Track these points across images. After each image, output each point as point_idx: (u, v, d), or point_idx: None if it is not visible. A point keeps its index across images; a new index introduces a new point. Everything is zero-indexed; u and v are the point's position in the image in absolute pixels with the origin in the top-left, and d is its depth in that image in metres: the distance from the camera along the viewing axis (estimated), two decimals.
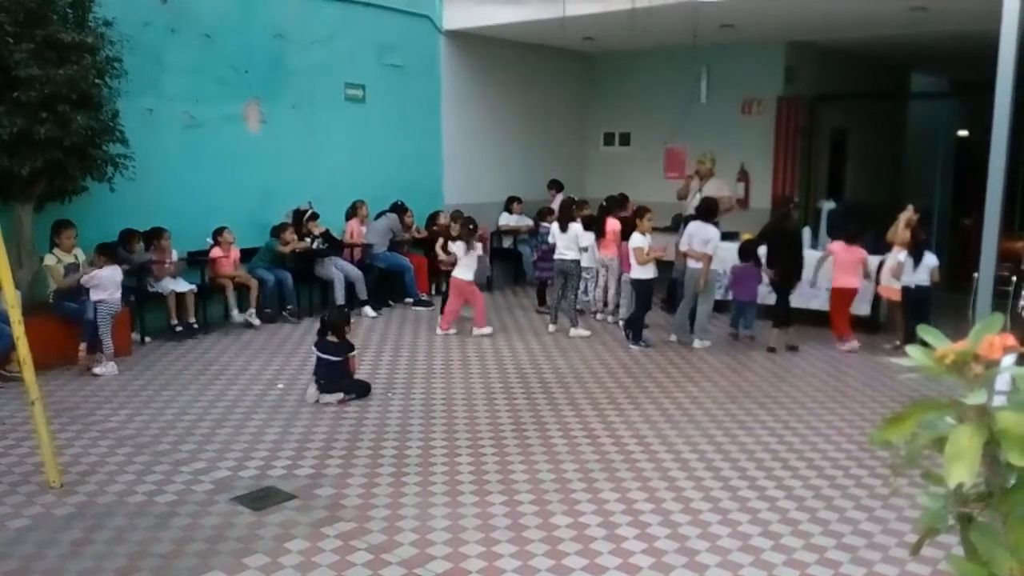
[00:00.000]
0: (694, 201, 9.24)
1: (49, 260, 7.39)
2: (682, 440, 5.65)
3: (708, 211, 8.48)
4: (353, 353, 6.64)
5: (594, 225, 9.24)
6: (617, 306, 9.39)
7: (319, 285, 9.81)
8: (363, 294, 9.73)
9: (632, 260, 8.30)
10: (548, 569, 3.86)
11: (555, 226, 9.07)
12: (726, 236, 8.97)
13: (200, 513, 4.44)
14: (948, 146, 15.06)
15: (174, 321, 8.32)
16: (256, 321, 8.92)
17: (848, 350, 8.19)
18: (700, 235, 8.26)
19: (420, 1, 10.98)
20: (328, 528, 4.26)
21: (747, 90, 11.95)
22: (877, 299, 8.84)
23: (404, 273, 10.30)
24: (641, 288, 8.32)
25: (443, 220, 11.06)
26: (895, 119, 14.43)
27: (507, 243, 12.07)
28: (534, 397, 6.62)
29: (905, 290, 8.05)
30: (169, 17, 8.55)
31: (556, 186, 12.20)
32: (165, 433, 5.70)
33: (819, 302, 8.70)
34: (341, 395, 6.37)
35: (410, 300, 10.27)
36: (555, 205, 10.85)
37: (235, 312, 8.91)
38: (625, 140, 13.49)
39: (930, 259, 7.95)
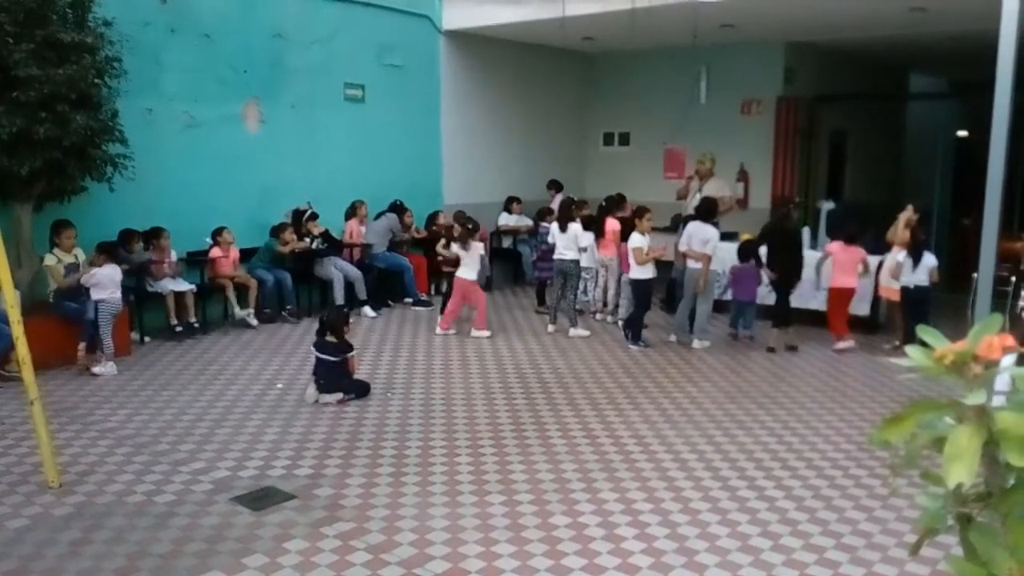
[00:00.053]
0: (694, 201, 9.24)
1: (49, 260, 7.39)
2: (681, 440, 5.65)
3: (708, 211, 8.48)
4: (352, 353, 6.64)
5: (593, 225, 9.25)
6: (616, 306, 9.40)
7: (318, 285, 9.81)
8: (362, 294, 9.73)
9: (631, 260, 8.30)
10: (547, 569, 3.86)
11: (554, 226, 9.07)
12: (725, 236, 8.98)
13: (199, 513, 4.44)
14: (947, 146, 15.07)
15: (174, 321, 8.32)
16: (254, 321, 8.92)
17: (842, 349, 8.20)
18: (699, 235, 8.27)
19: (420, 1, 10.98)
20: (327, 528, 4.26)
21: (747, 90, 11.96)
22: (876, 299, 8.85)
23: (403, 273, 10.30)
24: (640, 288, 8.32)
25: (443, 220, 11.06)
26: (894, 119, 14.44)
27: (506, 243, 12.07)
28: (533, 397, 6.62)
29: (904, 290, 8.05)
30: (169, 17, 8.55)
31: (555, 186, 12.20)
32: (164, 433, 5.70)
33: (818, 302, 8.70)
34: (340, 395, 6.37)
35: (409, 300, 10.27)
36: (554, 205, 10.86)
37: (237, 309, 8.91)
38: (625, 140, 13.50)
39: (929, 259, 7.95)
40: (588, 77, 13.57)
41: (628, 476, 5.00)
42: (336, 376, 6.44)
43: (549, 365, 7.62)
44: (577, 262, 8.82)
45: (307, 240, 9.44)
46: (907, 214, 8.28)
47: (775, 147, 11.89)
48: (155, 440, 5.56)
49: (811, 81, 12.05)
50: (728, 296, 9.06)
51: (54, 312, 7.33)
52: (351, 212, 10.20)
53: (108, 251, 7.45)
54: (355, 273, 9.74)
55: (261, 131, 9.52)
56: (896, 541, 4.19)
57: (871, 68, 12.99)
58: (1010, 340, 1.32)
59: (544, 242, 9.63)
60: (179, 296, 8.39)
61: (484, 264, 8.95)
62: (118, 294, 7.28)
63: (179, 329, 8.33)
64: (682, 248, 8.53)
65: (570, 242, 8.77)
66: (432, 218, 11.10)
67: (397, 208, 10.47)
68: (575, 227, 8.80)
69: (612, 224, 9.32)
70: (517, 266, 12.05)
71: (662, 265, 8.68)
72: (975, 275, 5.67)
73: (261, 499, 4.62)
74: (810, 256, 8.66)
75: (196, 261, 8.84)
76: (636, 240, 8.24)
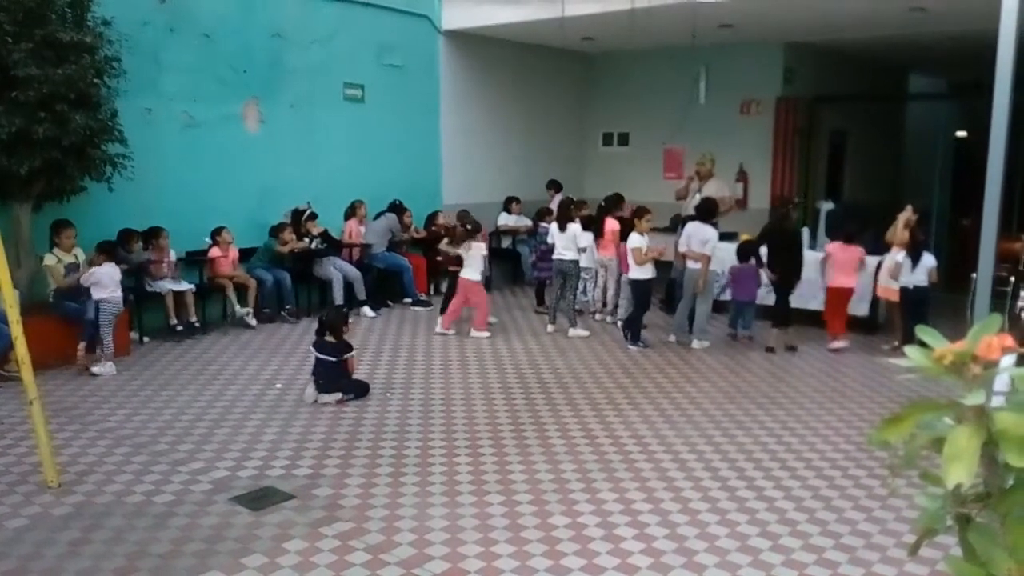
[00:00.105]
0: (694, 201, 9.24)
1: (49, 260, 7.39)
2: (680, 440, 5.65)
3: (707, 211, 8.48)
4: (351, 354, 6.64)
5: (593, 225, 9.25)
6: (616, 306, 9.40)
7: (318, 285, 9.81)
8: (362, 294, 9.72)
9: (630, 260, 8.30)
10: (546, 569, 3.86)
11: (554, 226, 9.07)
12: (724, 236, 8.98)
13: (198, 513, 4.43)
14: (946, 147, 15.08)
15: (173, 320, 8.30)
16: (253, 321, 8.91)
17: (837, 348, 8.21)
18: (698, 235, 8.27)
19: (419, 1, 10.98)
20: (326, 528, 4.26)
21: (746, 91, 11.96)
22: (876, 300, 8.85)
23: (403, 273, 10.30)
24: (639, 288, 8.32)
25: (442, 220, 11.06)
26: (894, 120, 14.45)
27: (506, 243, 12.07)
28: (532, 397, 6.62)
29: (903, 291, 8.05)
30: (168, 17, 8.54)
31: (555, 186, 12.20)
32: (163, 433, 5.70)
33: (818, 303, 8.69)
34: (339, 395, 6.37)
35: (409, 300, 10.27)
36: (554, 205, 10.85)
37: (237, 307, 8.90)
38: (624, 140, 13.50)
39: (928, 260, 7.96)
40: (587, 77, 13.58)
41: (627, 476, 5.00)
42: (335, 376, 6.44)
43: (548, 365, 7.62)
44: (576, 262, 8.82)
45: (306, 240, 9.44)
46: (906, 214, 8.28)
47: (774, 147, 11.89)
48: (154, 440, 5.56)
49: (810, 81, 12.05)
50: (727, 296, 9.06)
51: (54, 312, 7.33)
52: (350, 212, 10.20)
53: (107, 251, 7.44)
54: (354, 273, 9.74)
55: (260, 131, 9.52)
56: (895, 541, 4.19)
57: (870, 68, 12.99)
58: (1009, 340, 1.32)
59: (543, 242, 9.63)
60: (178, 296, 8.38)
61: (484, 264, 8.95)
62: (119, 293, 7.28)
63: (179, 328, 8.32)
64: (681, 249, 8.53)
65: (569, 242, 8.77)
66: (431, 218, 11.10)
67: (396, 208, 10.47)
68: (574, 227, 8.80)
69: (611, 224, 9.32)
70: (516, 266, 12.04)
71: (661, 265, 8.68)
72: (974, 275, 5.67)
73: (260, 499, 4.62)
74: (810, 256, 8.66)
75: (195, 261, 8.84)
76: (635, 240, 8.24)
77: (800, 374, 7.47)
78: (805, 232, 9.49)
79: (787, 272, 8.25)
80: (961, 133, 15.07)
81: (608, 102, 13.45)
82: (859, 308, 8.76)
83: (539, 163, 12.71)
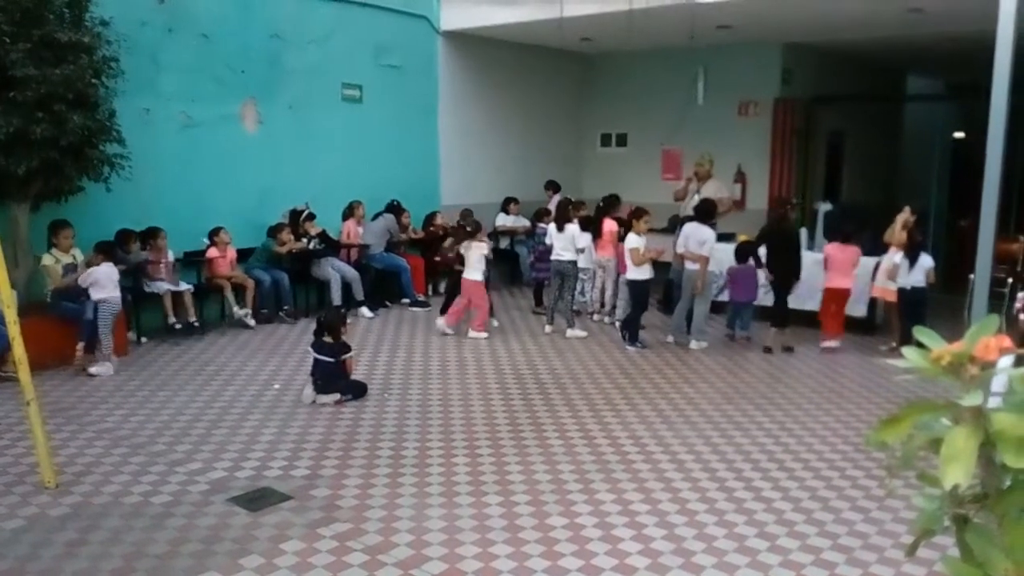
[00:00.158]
0: (692, 202, 9.25)
1: (47, 260, 7.38)
2: (678, 441, 5.65)
3: (706, 212, 8.49)
4: (350, 354, 6.64)
5: (591, 226, 9.25)
6: (614, 307, 9.40)
7: (316, 286, 9.81)
8: (360, 295, 9.72)
9: (628, 261, 8.30)
10: (544, 570, 3.86)
11: (552, 227, 9.07)
12: (723, 237, 8.98)
13: (196, 514, 4.43)
14: (944, 148, 15.10)
15: (172, 319, 8.29)
16: (251, 321, 8.91)
17: (829, 348, 8.22)
18: (696, 236, 8.27)
19: (417, 1, 10.98)
20: (324, 529, 4.25)
21: (744, 92, 11.97)
22: (873, 300, 8.86)
23: (401, 274, 10.29)
24: (637, 289, 8.32)
25: (440, 221, 11.07)
26: (892, 121, 14.46)
27: (504, 244, 12.07)
28: (530, 398, 6.61)
29: (901, 291, 8.06)
30: (166, 17, 8.54)
31: (553, 187, 12.21)
32: (161, 433, 5.69)
33: (815, 303, 8.70)
34: (337, 396, 6.36)
35: (407, 301, 10.26)
36: (552, 206, 10.86)
37: (236, 308, 8.90)
38: (622, 141, 13.50)
39: (926, 260, 7.96)
40: (586, 78, 13.58)
41: (625, 477, 5.00)
42: (334, 377, 6.44)
43: (546, 366, 7.62)
44: (574, 263, 8.83)
45: (304, 240, 9.43)
46: (904, 215, 8.29)
47: (772, 148, 11.90)
48: (152, 441, 5.55)
49: (808, 82, 12.06)
50: (725, 297, 9.07)
51: (52, 312, 7.32)
52: (348, 212, 10.20)
53: (106, 251, 7.44)
54: (352, 274, 9.73)
55: (259, 131, 9.52)
56: (893, 542, 4.19)
57: (868, 69, 13.01)
58: (1007, 341, 1.32)
59: (541, 243, 9.63)
60: (177, 296, 8.37)
61: (487, 264, 8.93)
62: (117, 294, 7.28)
63: (177, 326, 8.30)
64: (679, 250, 8.54)
65: (567, 243, 8.78)
66: (430, 219, 11.10)
67: (394, 209, 10.46)
68: (572, 228, 8.81)
69: (610, 225, 9.33)
70: (514, 267, 12.04)
71: (659, 266, 8.68)
72: (972, 276, 5.68)
73: (258, 500, 4.62)
74: (808, 257, 8.67)
75: (193, 261, 8.83)
76: (632, 241, 8.24)
77: (798, 375, 7.48)
78: (803, 233, 9.50)
79: (786, 273, 8.26)
80: (959, 134, 15.08)
81: (606, 103, 13.46)
82: (857, 309, 8.77)
83: (537, 164, 12.71)
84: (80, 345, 7.13)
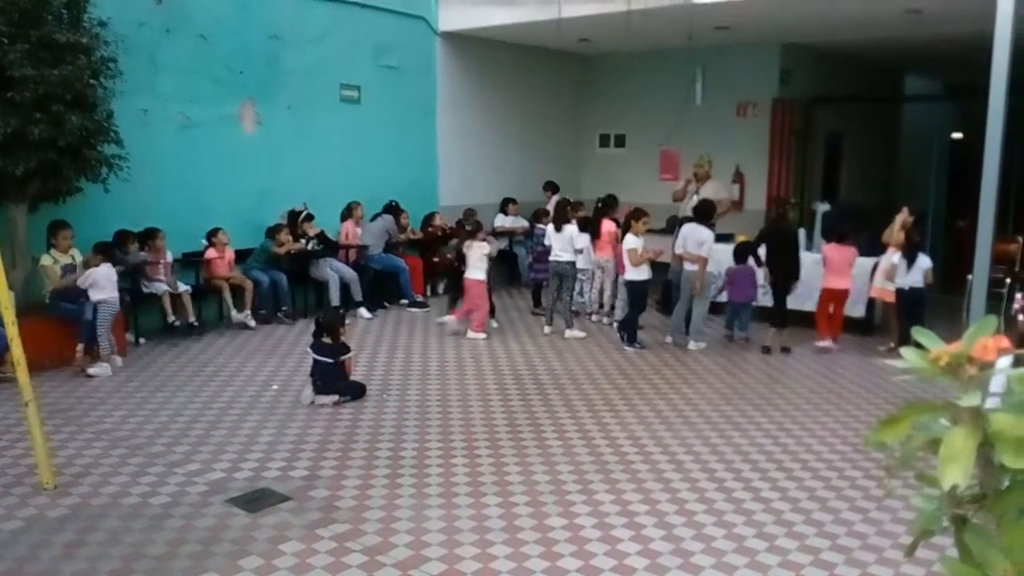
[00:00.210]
0: (692, 203, 9.25)
1: (45, 260, 7.37)
2: (677, 442, 5.65)
3: (704, 213, 8.49)
4: (349, 355, 6.63)
5: (589, 227, 9.25)
6: (612, 308, 9.40)
7: (314, 286, 9.80)
8: (358, 295, 9.72)
9: (626, 261, 8.30)
10: (543, 571, 3.86)
11: (550, 228, 9.07)
12: (721, 238, 8.99)
13: (194, 515, 4.43)
14: (942, 149, 15.10)
15: (171, 317, 8.27)
16: (252, 322, 8.90)
17: (822, 348, 8.23)
18: (695, 237, 8.27)
19: (416, 2, 10.98)
20: (323, 530, 4.25)
21: (742, 92, 11.98)
22: (872, 301, 8.86)
23: (399, 274, 10.29)
24: (635, 289, 8.32)
25: (439, 221, 11.08)
26: (890, 121, 14.47)
27: (503, 245, 12.06)
28: (529, 399, 6.61)
29: (899, 292, 8.06)
30: (164, 18, 8.53)
31: (552, 188, 12.21)
32: (159, 435, 5.69)
33: (813, 303, 8.71)
34: (336, 397, 6.36)
35: (405, 301, 10.26)
36: (551, 206, 10.85)
37: (234, 312, 8.89)
38: (620, 142, 13.51)
39: (924, 261, 7.97)
40: (584, 79, 13.58)
41: (624, 477, 5.00)
42: (333, 378, 6.43)
43: (545, 367, 7.62)
44: (573, 263, 8.83)
45: (303, 241, 9.43)
46: (903, 216, 8.30)
47: (771, 149, 11.91)
48: (150, 442, 5.55)
49: (807, 83, 12.07)
50: (724, 298, 9.07)
51: (50, 313, 7.31)
52: (347, 213, 10.19)
53: (104, 251, 7.43)
54: (351, 274, 9.73)
55: (257, 132, 9.51)
56: (891, 542, 4.19)
57: (867, 70, 13.02)
58: (1005, 342, 1.32)
59: (540, 243, 9.63)
60: (175, 296, 8.36)
61: (489, 264, 8.92)
62: (116, 294, 7.28)
63: (176, 324, 8.28)
64: (678, 250, 8.54)
65: (566, 243, 8.78)
66: (428, 219, 11.10)
67: (393, 209, 10.46)
68: (571, 228, 8.81)
69: (608, 225, 9.33)
70: (513, 267, 12.04)
71: (658, 267, 8.68)
72: (970, 277, 5.69)
73: (256, 501, 4.61)
74: (807, 258, 8.67)
75: (192, 262, 8.83)
76: (630, 242, 8.25)
77: (796, 375, 7.48)
78: (801, 233, 9.51)
79: (785, 273, 8.26)
80: (957, 135, 15.09)
81: (605, 103, 13.46)
82: (855, 309, 8.77)
83: (536, 164, 12.71)
84: (80, 346, 7.13)
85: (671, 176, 12.35)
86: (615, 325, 8.93)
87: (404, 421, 6.01)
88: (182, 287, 8.41)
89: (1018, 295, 6.64)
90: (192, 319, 8.43)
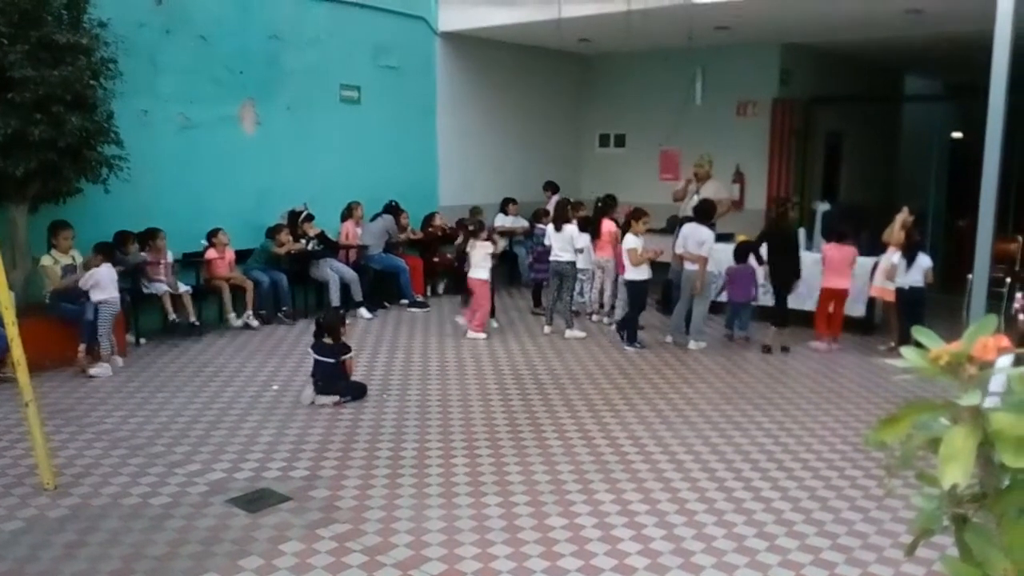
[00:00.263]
0: (692, 203, 9.25)
1: (46, 261, 7.37)
2: (677, 441, 5.65)
3: (704, 213, 8.49)
4: (350, 355, 6.63)
5: (589, 226, 9.25)
6: (612, 307, 9.40)
7: (314, 287, 9.80)
8: (358, 296, 9.72)
9: (626, 261, 8.30)
10: (543, 571, 3.86)
11: (550, 227, 9.07)
12: (721, 237, 8.98)
13: (195, 515, 4.43)
14: (942, 148, 15.10)
15: (172, 316, 8.27)
16: (255, 323, 8.91)
17: (816, 347, 8.23)
18: (695, 237, 8.28)
19: (415, 3, 10.99)
20: (323, 530, 4.25)
21: (742, 92, 11.98)
22: (872, 300, 8.87)
23: (399, 275, 10.29)
24: (635, 289, 8.32)
25: (439, 221, 11.08)
26: (890, 121, 14.48)
27: (503, 244, 12.07)
28: (529, 398, 6.62)
29: (899, 291, 8.07)
30: (164, 18, 8.53)
31: (552, 187, 12.21)
32: (160, 435, 5.69)
33: (814, 303, 8.71)
34: (337, 397, 6.36)
35: (405, 301, 10.26)
36: (551, 206, 10.86)
37: (232, 316, 8.89)
38: (620, 142, 13.51)
39: (924, 260, 7.97)
40: (584, 79, 13.59)
41: (624, 477, 5.00)
42: (334, 378, 6.43)
43: (545, 366, 7.62)
44: (573, 263, 8.83)
45: (303, 241, 9.43)
46: (903, 215, 8.30)
47: (771, 149, 11.91)
48: (151, 442, 5.55)
49: (807, 83, 12.07)
50: (724, 298, 9.07)
51: (51, 313, 7.31)
52: (347, 213, 10.19)
53: (105, 251, 7.43)
54: (351, 275, 9.73)
55: (257, 132, 9.51)
56: (892, 542, 4.19)
57: (867, 70, 13.02)
58: (1005, 341, 1.32)
59: (540, 243, 9.64)
60: (175, 297, 8.36)
61: (492, 263, 8.91)
62: (117, 295, 7.28)
63: (176, 321, 8.27)
64: (678, 250, 8.54)
65: (566, 243, 8.78)
66: (428, 219, 11.10)
67: (393, 209, 10.46)
68: (571, 228, 8.81)
69: (608, 225, 9.33)
70: (513, 267, 12.04)
71: (658, 267, 8.68)
72: (970, 276, 5.69)
73: (256, 501, 4.61)
74: (807, 258, 8.67)
75: (192, 262, 8.83)
76: (630, 241, 8.25)
77: (796, 375, 7.48)
78: (801, 233, 9.51)
79: (786, 272, 8.27)
80: (957, 134, 15.09)
81: (604, 103, 13.47)
82: (855, 309, 8.77)
83: (536, 164, 12.72)
84: (82, 347, 7.13)
85: (671, 176, 12.35)
86: (615, 325, 8.94)
87: (404, 421, 6.01)
88: (182, 287, 8.42)
89: (1018, 294, 6.65)
90: (193, 319, 8.43)
